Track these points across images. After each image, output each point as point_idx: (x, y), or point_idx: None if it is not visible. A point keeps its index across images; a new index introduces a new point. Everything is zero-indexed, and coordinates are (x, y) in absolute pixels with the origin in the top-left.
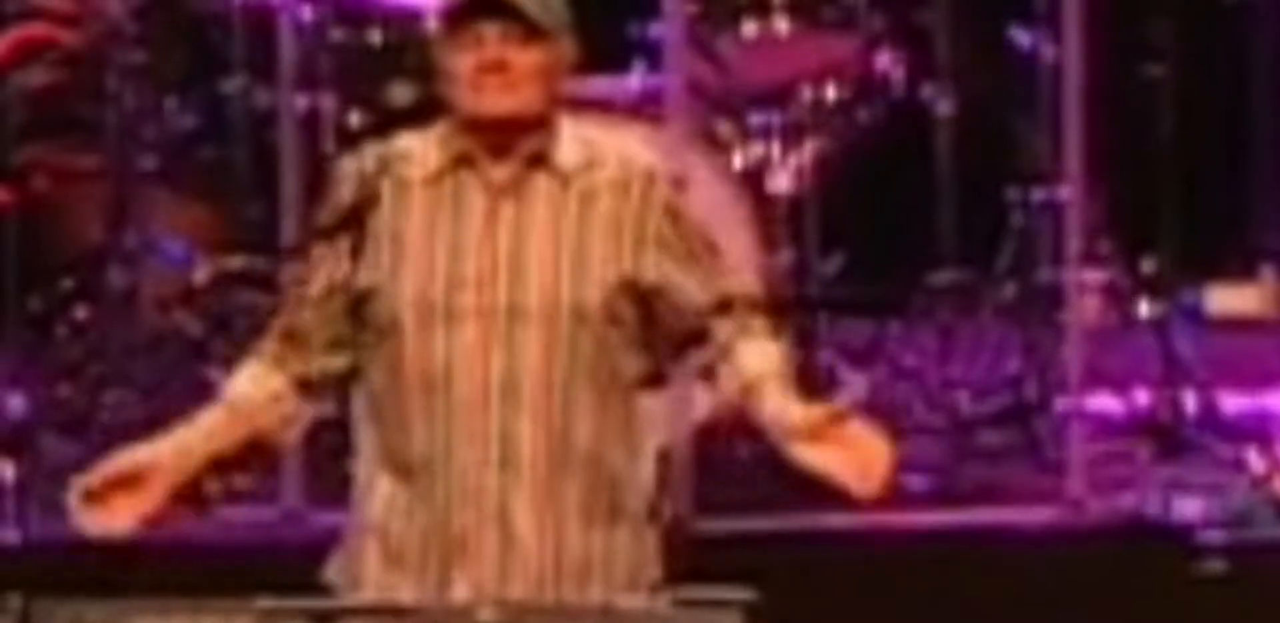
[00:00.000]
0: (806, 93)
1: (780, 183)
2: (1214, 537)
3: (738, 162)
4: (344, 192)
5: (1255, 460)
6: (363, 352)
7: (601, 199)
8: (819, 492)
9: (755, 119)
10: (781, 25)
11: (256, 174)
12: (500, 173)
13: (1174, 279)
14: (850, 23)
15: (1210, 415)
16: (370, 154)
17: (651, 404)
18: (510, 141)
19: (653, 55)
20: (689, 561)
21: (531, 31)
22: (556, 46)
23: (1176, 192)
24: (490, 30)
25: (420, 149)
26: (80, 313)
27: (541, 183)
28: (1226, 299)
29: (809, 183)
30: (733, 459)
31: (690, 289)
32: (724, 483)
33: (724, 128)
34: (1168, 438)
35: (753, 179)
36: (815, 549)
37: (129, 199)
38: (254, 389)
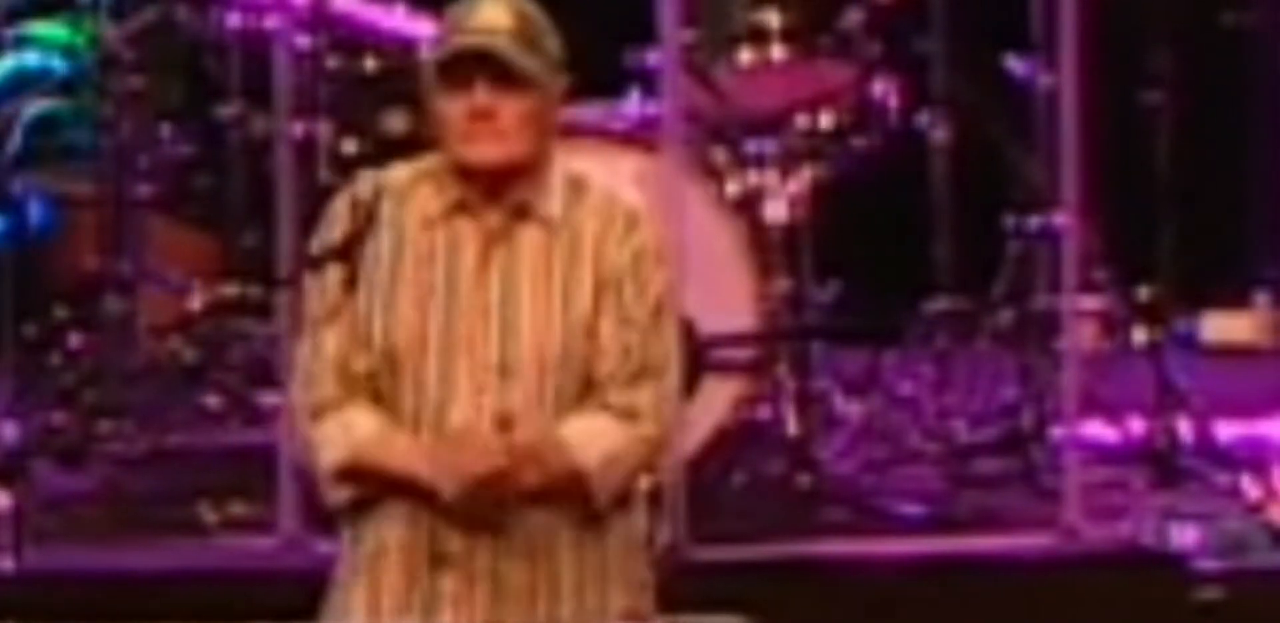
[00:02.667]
0: (802, 120)
1: (776, 211)
2: (1209, 564)
3: (733, 189)
4: (339, 223)
5: (1250, 488)
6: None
7: (586, 243)
8: (813, 520)
9: (751, 147)
10: (777, 53)
11: (252, 202)
12: (492, 219)
13: (1170, 307)
14: (846, 51)
15: (1205, 443)
16: (365, 183)
17: None
18: (500, 188)
19: (649, 83)
20: (683, 589)
21: (522, 79)
22: (548, 91)
23: (1173, 219)
24: (480, 79)
25: (415, 188)
26: (76, 341)
27: (530, 232)
28: (1222, 327)
29: (805, 211)
30: (727, 488)
31: (607, 342)
32: (718, 512)
33: (720, 155)
34: (1163, 466)
35: (748, 207)
36: (810, 578)
37: (125, 227)
38: (381, 424)
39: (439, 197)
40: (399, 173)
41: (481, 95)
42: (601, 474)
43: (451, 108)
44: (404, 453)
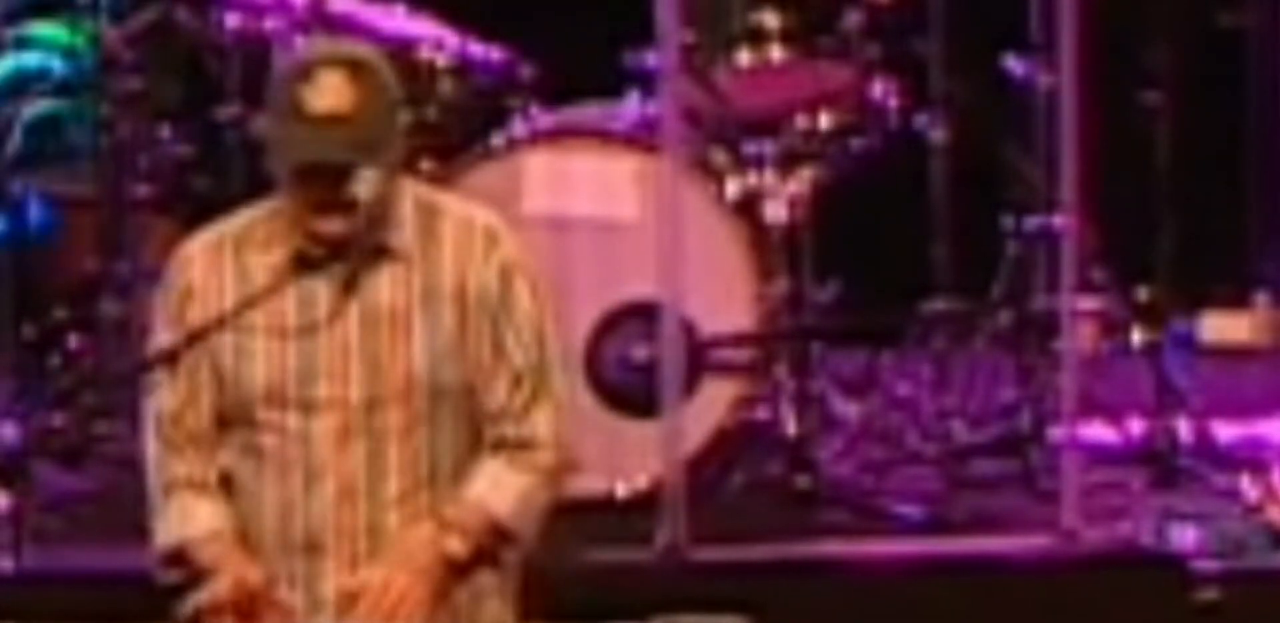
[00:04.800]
0: (801, 121)
1: (775, 211)
2: (1208, 566)
3: (733, 190)
4: (181, 280)
5: (1249, 489)
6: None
7: (445, 266)
8: (812, 521)
9: (750, 148)
10: (776, 54)
11: (251, 203)
12: (343, 267)
13: (1169, 307)
14: (845, 51)
15: (1204, 444)
16: (208, 238)
17: (643, 433)
18: (348, 241)
19: (648, 83)
20: (683, 589)
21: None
22: (387, 173)
23: (1171, 220)
24: (324, 179)
25: (260, 237)
26: (74, 342)
27: (385, 272)
28: (1221, 327)
29: (803, 211)
30: (726, 488)
31: (491, 371)
32: (717, 512)
33: (719, 156)
34: (1162, 467)
35: (748, 208)
36: (809, 578)
37: (123, 228)
38: (224, 523)
39: (283, 245)
40: (240, 223)
41: (325, 193)
42: (518, 520)
43: (295, 191)
44: (215, 563)
